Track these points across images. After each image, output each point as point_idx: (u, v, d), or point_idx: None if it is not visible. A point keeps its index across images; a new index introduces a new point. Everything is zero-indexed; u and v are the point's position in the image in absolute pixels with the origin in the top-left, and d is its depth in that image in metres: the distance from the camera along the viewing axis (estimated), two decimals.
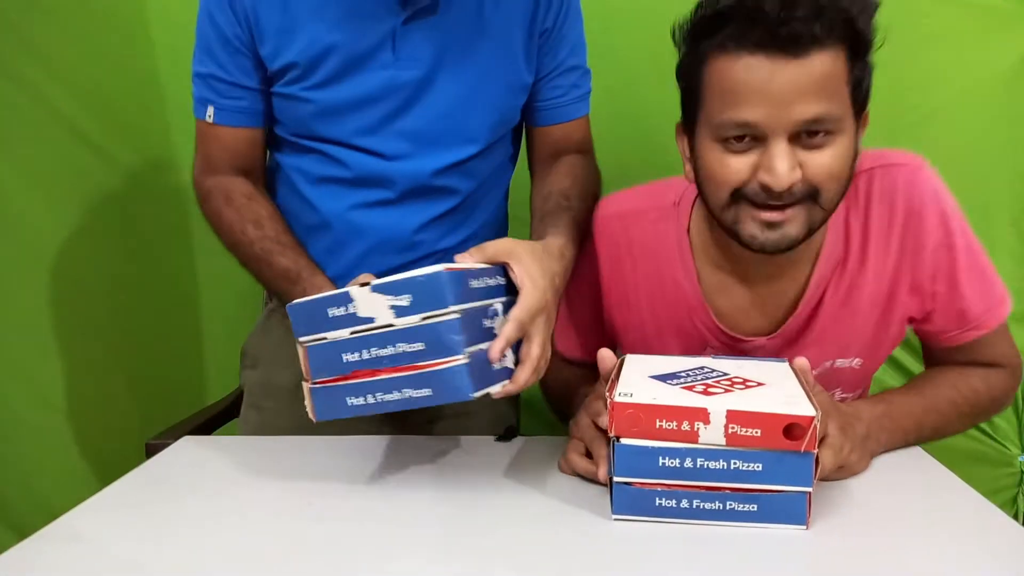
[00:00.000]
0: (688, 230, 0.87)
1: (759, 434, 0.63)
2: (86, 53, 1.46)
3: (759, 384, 0.69)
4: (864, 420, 0.77)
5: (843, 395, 0.92)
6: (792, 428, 0.62)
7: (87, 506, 0.74)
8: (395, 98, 0.94)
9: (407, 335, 0.66)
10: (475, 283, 0.70)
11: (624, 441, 0.65)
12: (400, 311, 0.66)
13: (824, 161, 0.71)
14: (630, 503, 0.66)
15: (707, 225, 0.85)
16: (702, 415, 0.63)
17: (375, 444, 0.87)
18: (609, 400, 0.65)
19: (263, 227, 0.97)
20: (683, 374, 0.72)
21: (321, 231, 1.01)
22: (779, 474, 0.63)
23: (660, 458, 0.64)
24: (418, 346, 0.66)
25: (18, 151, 1.52)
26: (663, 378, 0.71)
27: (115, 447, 1.07)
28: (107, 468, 1.02)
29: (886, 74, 1.28)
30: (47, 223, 1.54)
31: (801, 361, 0.73)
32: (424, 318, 0.65)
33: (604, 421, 0.68)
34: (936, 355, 0.90)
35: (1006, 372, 0.87)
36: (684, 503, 0.65)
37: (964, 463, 1.39)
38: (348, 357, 0.68)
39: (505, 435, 0.87)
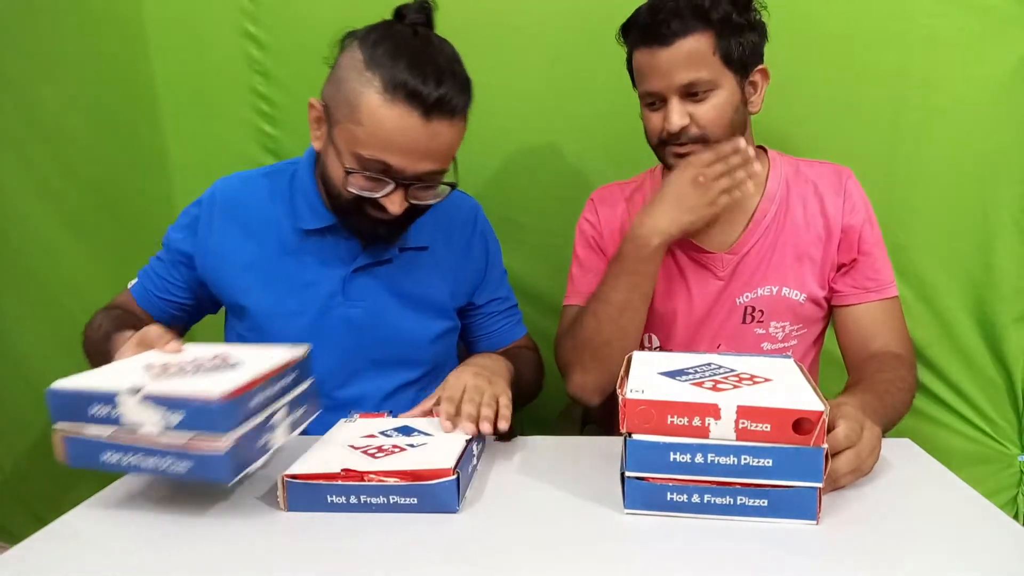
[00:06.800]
0: (663, 175, 1.10)
1: (769, 429, 0.63)
2: (81, 55, 1.45)
3: (766, 380, 0.69)
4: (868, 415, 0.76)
5: (791, 327, 1.06)
6: (801, 423, 0.62)
7: (87, 506, 0.74)
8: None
9: (173, 454, 0.65)
10: (258, 398, 0.69)
11: (636, 437, 0.65)
12: (169, 425, 0.65)
13: (705, 110, 0.95)
14: (642, 498, 0.66)
15: None
16: (713, 411, 0.63)
17: None
18: (621, 396, 0.65)
19: (113, 318, 0.99)
20: (691, 370, 0.72)
21: None
22: (789, 469, 0.63)
23: (671, 453, 0.64)
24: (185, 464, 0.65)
25: (13, 153, 1.51)
26: (672, 375, 0.71)
27: None
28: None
29: (886, 74, 1.30)
30: (42, 225, 1.53)
31: None
32: (193, 437, 0.64)
33: None
34: (851, 335, 1.04)
35: (907, 362, 0.99)
36: (695, 498, 0.65)
37: (964, 463, 1.40)
38: (107, 458, 0.67)
39: (506, 435, 0.87)
